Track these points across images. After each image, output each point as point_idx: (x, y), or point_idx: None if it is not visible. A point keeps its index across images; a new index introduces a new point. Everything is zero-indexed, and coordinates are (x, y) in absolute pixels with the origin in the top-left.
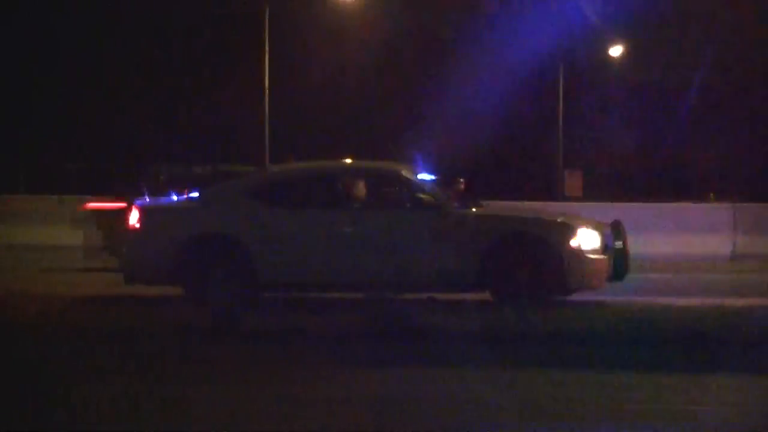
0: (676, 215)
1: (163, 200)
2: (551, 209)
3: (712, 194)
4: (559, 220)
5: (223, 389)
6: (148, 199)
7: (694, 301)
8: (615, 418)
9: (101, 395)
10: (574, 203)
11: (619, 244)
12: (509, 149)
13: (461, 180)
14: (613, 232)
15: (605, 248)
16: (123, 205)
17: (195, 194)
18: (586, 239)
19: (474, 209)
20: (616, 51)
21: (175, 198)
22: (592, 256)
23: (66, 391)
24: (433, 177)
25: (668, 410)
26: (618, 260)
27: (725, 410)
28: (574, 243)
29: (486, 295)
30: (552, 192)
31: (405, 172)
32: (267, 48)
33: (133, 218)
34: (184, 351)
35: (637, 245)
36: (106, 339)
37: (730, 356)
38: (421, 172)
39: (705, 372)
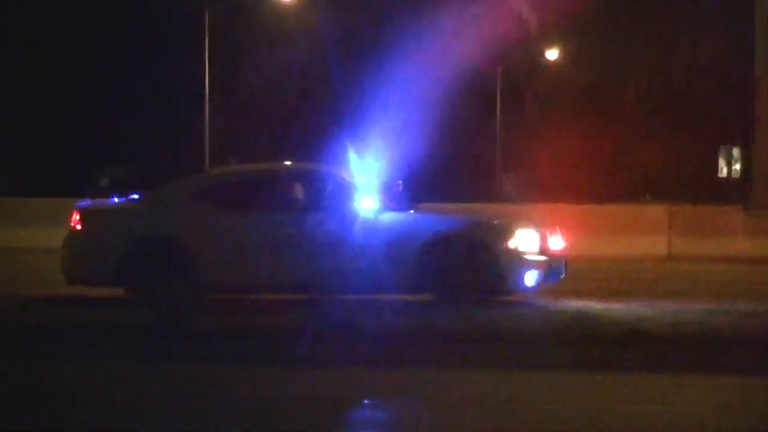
0: (615, 217)
1: (105, 202)
2: (491, 211)
3: (647, 195)
4: (495, 222)
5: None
6: (90, 201)
7: (631, 302)
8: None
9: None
10: (515, 205)
11: (556, 244)
12: (452, 152)
13: (399, 182)
14: (551, 232)
15: (543, 250)
16: None
17: (136, 196)
18: (524, 241)
19: (411, 211)
20: (552, 54)
21: (116, 200)
22: (529, 258)
23: None
24: (375, 179)
25: (608, 410)
26: (555, 261)
27: (669, 409)
28: (511, 244)
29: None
30: (494, 194)
31: (344, 175)
32: (207, 53)
33: (75, 219)
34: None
35: (575, 246)
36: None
37: (666, 355)
38: (361, 174)
39: (644, 371)
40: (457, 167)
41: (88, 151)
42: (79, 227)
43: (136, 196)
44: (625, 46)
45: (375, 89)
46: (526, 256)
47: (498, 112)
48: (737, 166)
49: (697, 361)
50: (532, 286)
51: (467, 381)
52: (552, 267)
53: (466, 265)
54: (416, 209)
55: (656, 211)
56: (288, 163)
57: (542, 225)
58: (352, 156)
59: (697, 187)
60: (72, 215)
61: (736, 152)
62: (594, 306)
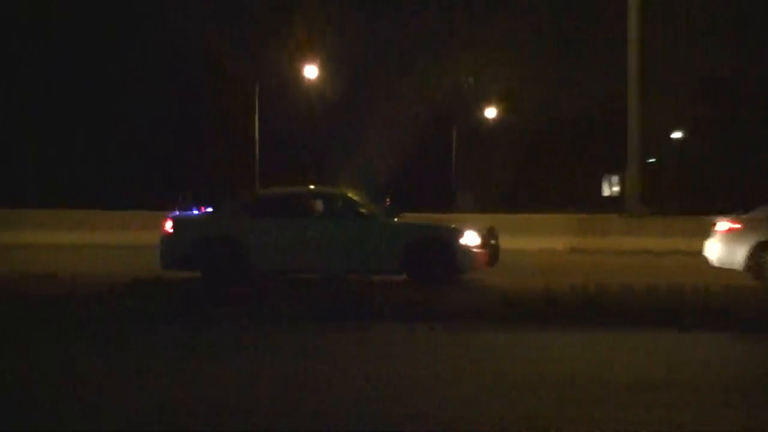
0: (535, 222)
1: (187, 213)
2: (449, 219)
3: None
4: (452, 226)
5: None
6: (177, 212)
7: (545, 279)
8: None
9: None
10: (468, 214)
11: (493, 241)
12: (421, 175)
13: (387, 198)
14: (489, 233)
15: (484, 244)
16: None
17: (210, 209)
18: (471, 238)
19: (397, 219)
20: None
21: (195, 212)
22: (474, 250)
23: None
24: (370, 196)
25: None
26: (492, 252)
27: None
28: (463, 241)
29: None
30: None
31: (350, 194)
32: (257, 113)
33: (167, 225)
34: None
35: (507, 242)
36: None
37: (572, 317)
38: (363, 193)
39: (555, 329)
40: (424, 186)
41: (168, 178)
42: (170, 231)
43: (209, 209)
44: (532, 91)
45: (359, 133)
46: (472, 249)
47: (453, 151)
48: (616, 188)
49: (587, 317)
50: (477, 269)
51: (409, 331)
52: (490, 256)
53: (433, 257)
54: (400, 217)
55: (563, 219)
56: (311, 186)
57: (484, 228)
58: (365, 181)
59: (588, 202)
60: (164, 222)
61: (614, 179)
62: (517, 281)
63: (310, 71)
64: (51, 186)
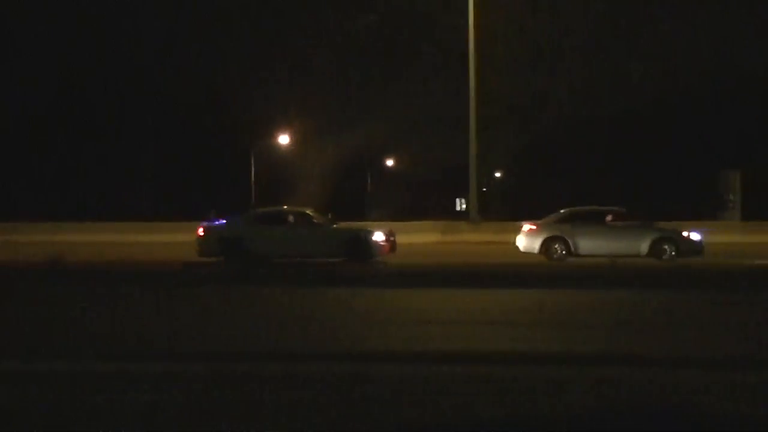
0: (417, 226)
1: (213, 222)
2: (366, 225)
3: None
4: (369, 228)
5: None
6: (206, 222)
7: (423, 260)
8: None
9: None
10: (378, 222)
11: (392, 238)
12: (348, 197)
13: (330, 214)
14: (390, 233)
15: (387, 240)
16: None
17: (224, 221)
18: (379, 236)
19: (336, 226)
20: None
21: (217, 222)
22: (382, 243)
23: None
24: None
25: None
26: (392, 245)
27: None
28: (375, 238)
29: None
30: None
31: (309, 211)
32: (252, 168)
33: (200, 231)
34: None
35: (401, 239)
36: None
37: (433, 281)
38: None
39: (426, 288)
40: (351, 205)
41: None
42: (202, 233)
43: (224, 221)
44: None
45: (313, 173)
46: (381, 243)
47: (368, 182)
48: (464, 206)
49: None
50: (383, 255)
51: (339, 290)
52: (391, 247)
53: (359, 248)
54: (338, 225)
55: (433, 224)
56: (285, 206)
57: (387, 230)
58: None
59: (447, 214)
60: (198, 229)
61: (463, 200)
62: (408, 261)
63: (283, 138)
64: (99, 200)
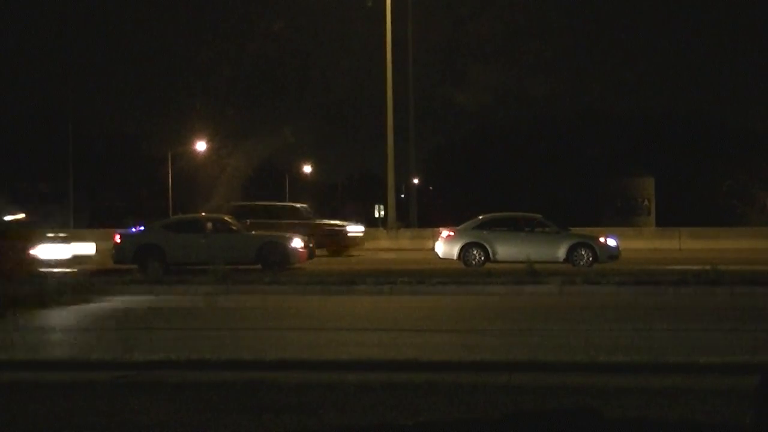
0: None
1: (128, 230)
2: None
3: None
4: (287, 235)
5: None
6: (122, 230)
7: (339, 265)
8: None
9: None
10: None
11: (311, 245)
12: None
13: (247, 221)
14: (308, 240)
15: (305, 247)
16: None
17: (142, 228)
18: (297, 243)
19: (253, 232)
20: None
21: (133, 230)
22: (300, 250)
23: None
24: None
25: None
26: (310, 252)
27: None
28: (293, 245)
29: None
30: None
31: (227, 218)
32: (171, 173)
33: (117, 238)
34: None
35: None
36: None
37: (352, 282)
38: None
39: (341, 290)
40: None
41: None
42: (118, 241)
43: (142, 228)
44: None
45: (231, 180)
46: (299, 249)
47: (287, 189)
48: (382, 212)
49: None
50: (301, 262)
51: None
52: (309, 254)
53: (276, 254)
54: (254, 231)
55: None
56: (203, 213)
57: (305, 237)
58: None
59: (366, 221)
60: (114, 236)
61: (381, 207)
62: (320, 267)
63: (201, 145)
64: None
